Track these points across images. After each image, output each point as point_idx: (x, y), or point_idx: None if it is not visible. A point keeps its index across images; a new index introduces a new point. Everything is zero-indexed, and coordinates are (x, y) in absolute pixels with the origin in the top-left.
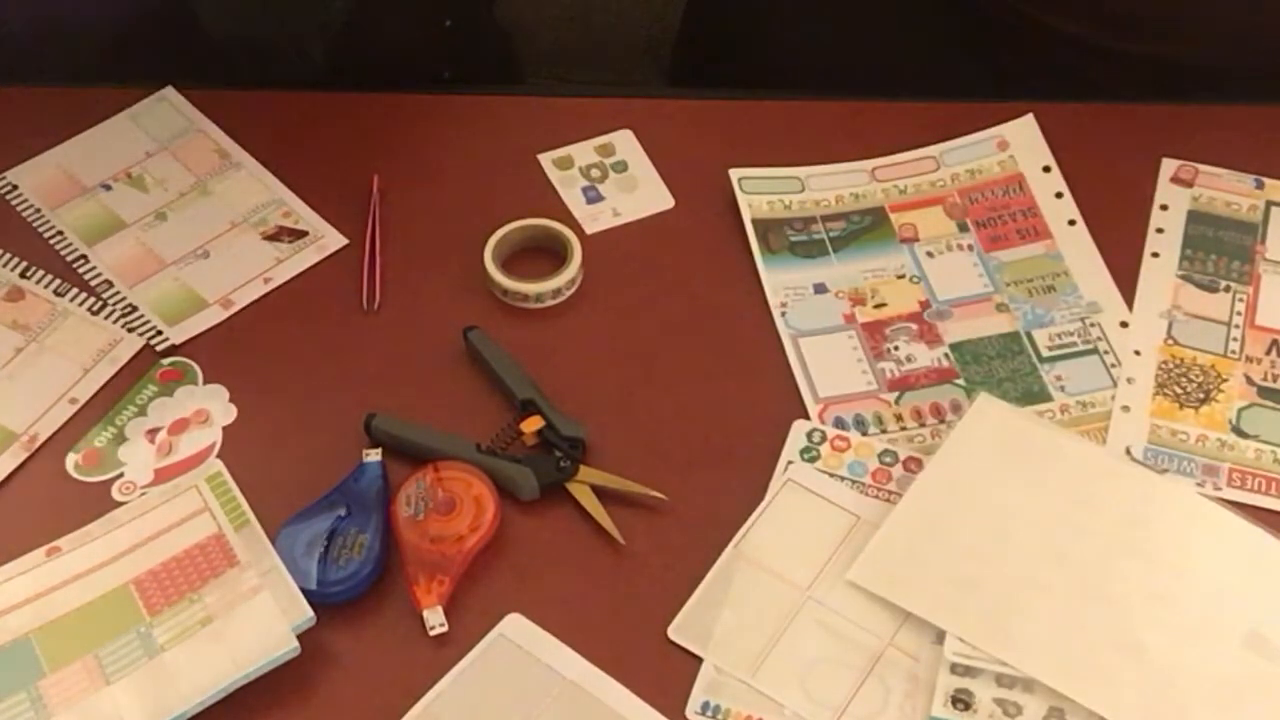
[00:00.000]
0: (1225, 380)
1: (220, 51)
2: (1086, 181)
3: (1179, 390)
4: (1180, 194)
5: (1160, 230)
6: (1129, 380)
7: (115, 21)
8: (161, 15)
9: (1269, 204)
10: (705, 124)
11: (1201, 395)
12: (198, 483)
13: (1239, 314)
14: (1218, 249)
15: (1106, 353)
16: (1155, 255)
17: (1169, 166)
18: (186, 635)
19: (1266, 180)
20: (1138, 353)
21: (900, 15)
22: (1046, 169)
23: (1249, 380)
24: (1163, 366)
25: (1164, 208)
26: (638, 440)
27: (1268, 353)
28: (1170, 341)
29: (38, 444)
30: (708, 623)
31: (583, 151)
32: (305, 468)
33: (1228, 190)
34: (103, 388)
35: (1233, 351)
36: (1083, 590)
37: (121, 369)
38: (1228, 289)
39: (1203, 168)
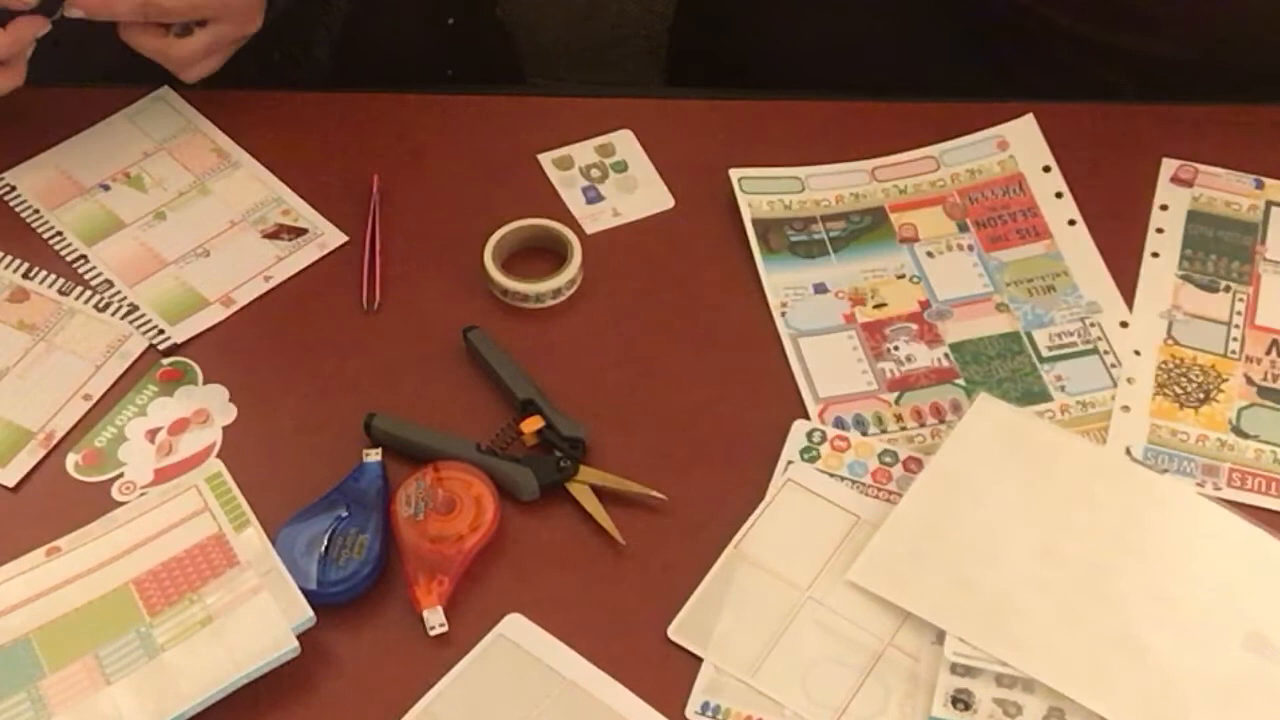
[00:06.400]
0: (1225, 380)
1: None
2: (1086, 181)
3: (1179, 390)
4: (1180, 194)
5: (1160, 230)
6: (1129, 380)
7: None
8: None
9: (1269, 204)
10: (705, 124)
11: (1201, 395)
12: (198, 483)
13: (1239, 314)
14: (1218, 249)
15: (1106, 353)
16: (1155, 255)
17: (1169, 166)
18: (186, 635)
19: (1266, 180)
20: (1138, 353)
21: (900, 15)
22: (1046, 169)
23: (1249, 380)
24: (1163, 366)
25: (1164, 208)
26: (638, 440)
27: (1268, 353)
28: (1170, 341)
29: (54, 441)
30: (708, 623)
31: (583, 151)
32: (305, 468)
33: (1227, 190)
34: (116, 382)
35: (1233, 351)
36: (1083, 590)
37: (134, 363)
38: (1228, 289)
39: (1203, 168)
